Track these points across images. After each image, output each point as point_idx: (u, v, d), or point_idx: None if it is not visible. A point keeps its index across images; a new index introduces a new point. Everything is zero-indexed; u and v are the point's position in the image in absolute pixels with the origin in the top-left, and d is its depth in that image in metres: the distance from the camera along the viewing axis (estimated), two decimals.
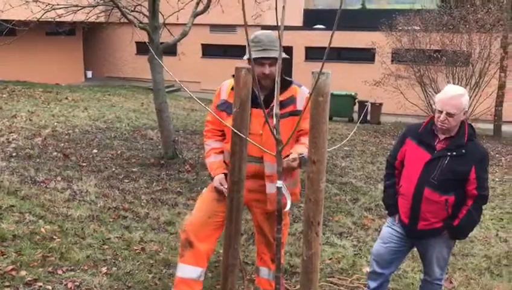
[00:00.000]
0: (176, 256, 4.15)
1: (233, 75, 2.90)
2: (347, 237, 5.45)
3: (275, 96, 2.23)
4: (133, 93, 17.18)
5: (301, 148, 2.89)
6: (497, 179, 9.07)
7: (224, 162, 3.14)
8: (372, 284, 3.37)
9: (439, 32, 13.43)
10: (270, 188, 2.99)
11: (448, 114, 2.98)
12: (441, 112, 3.01)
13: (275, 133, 2.10)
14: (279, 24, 2.06)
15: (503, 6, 13.35)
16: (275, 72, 2.90)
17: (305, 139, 2.88)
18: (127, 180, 6.59)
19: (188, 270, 3.08)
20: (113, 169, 7.11)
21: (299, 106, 3.00)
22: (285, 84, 3.01)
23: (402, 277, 4.37)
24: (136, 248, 4.17)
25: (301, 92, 3.04)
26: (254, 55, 2.86)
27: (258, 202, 3.12)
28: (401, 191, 3.20)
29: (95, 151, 8.10)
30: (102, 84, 19.02)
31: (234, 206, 2.24)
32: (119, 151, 8.25)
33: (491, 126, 14.38)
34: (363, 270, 4.45)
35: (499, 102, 14.24)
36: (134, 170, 7.19)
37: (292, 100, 3.01)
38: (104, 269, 3.69)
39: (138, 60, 20.04)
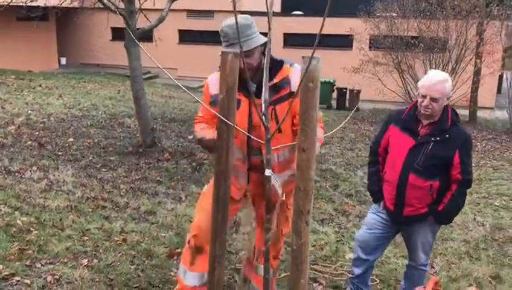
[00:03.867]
0: (157, 246, 4.09)
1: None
2: (329, 223, 5.46)
3: (264, 82, 2.17)
4: (109, 80, 16.85)
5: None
6: (473, 165, 9.21)
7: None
8: (357, 271, 3.37)
9: (416, 18, 13.51)
10: (272, 179, 2.85)
11: (432, 99, 2.97)
12: (424, 97, 3.00)
13: (263, 120, 2.05)
14: (268, 10, 1.99)
15: None
16: (253, 61, 2.72)
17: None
18: (105, 170, 6.46)
19: (198, 278, 2.91)
20: (91, 158, 6.96)
21: (294, 86, 2.73)
22: (276, 66, 2.75)
23: (385, 262, 4.39)
24: (117, 238, 4.08)
25: (294, 71, 2.77)
26: (224, 50, 2.66)
27: (264, 194, 2.97)
28: (385, 177, 3.19)
29: (71, 139, 7.92)
30: (77, 71, 18.59)
31: (221, 195, 2.18)
32: (96, 140, 8.08)
33: (466, 112, 14.60)
34: (346, 256, 4.46)
35: (475, 88, 14.45)
36: (112, 158, 7.05)
37: (287, 82, 2.76)
38: (84, 262, 3.58)
39: (114, 46, 19.63)
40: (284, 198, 2.76)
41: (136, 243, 4.04)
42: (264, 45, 2.72)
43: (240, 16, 2.61)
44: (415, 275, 3.32)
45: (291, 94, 2.76)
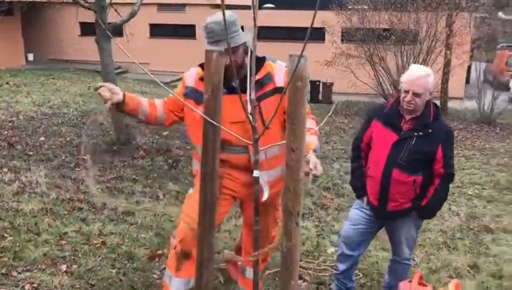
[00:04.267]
0: (138, 248, 4.00)
1: (200, 65, 2.72)
2: (308, 217, 5.46)
3: (248, 80, 2.12)
4: (79, 76, 16.47)
5: (313, 139, 2.54)
6: None
7: (192, 172, 2.95)
8: (342, 267, 3.36)
9: (387, 11, 13.61)
10: (261, 180, 2.78)
11: (415, 94, 2.98)
12: (407, 92, 3.00)
13: (251, 120, 2.00)
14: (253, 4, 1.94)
15: None
16: (238, 59, 2.70)
17: (308, 123, 2.58)
18: (79, 169, 6.29)
19: (184, 284, 2.85)
20: (63, 157, 6.79)
21: (279, 82, 2.74)
22: (259, 62, 2.73)
23: (366, 256, 4.41)
24: (95, 241, 3.97)
25: (277, 67, 2.78)
26: (208, 47, 2.58)
27: (252, 195, 2.92)
28: (369, 173, 3.18)
29: (42, 138, 7.70)
30: (45, 68, 18.10)
31: (208, 198, 2.12)
32: (68, 138, 7.88)
33: (437, 102, 14.82)
34: (327, 251, 4.47)
35: (445, 79, 14.71)
36: (85, 157, 6.88)
37: (269, 78, 2.75)
38: (63, 267, 3.47)
39: (83, 41, 19.20)
40: (265, 199, 2.71)
41: (116, 245, 3.94)
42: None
43: (227, 12, 2.55)
44: (398, 270, 3.34)
45: (276, 90, 2.74)
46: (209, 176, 2.11)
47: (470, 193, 7.02)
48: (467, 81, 19.00)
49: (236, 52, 2.67)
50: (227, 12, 2.71)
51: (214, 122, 2.01)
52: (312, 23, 1.67)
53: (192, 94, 2.80)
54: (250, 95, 2.05)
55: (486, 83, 14.96)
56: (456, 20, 13.53)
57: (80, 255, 3.69)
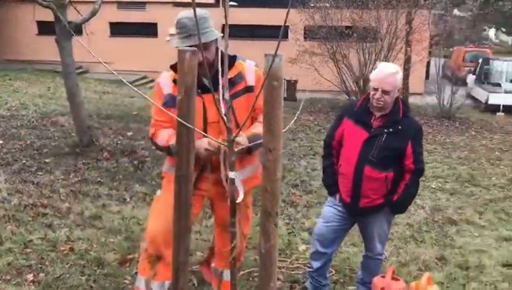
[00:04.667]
0: (107, 253, 3.90)
1: (172, 66, 2.69)
2: (279, 215, 5.45)
3: (221, 81, 2.08)
4: (37, 77, 15.95)
5: (258, 128, 2.64)
6: None
7: (161, 173, 2.91)
8: (316, 264, 3.37)
9: (349, 8, 13.80)
10: (237, 181, 2.73)
11: (384, 92, 3.02)
12: (376, 89, 3.04)
13: (225, 121, 1.96)
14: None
15: None
16: (210, 56, 2.67)
17: (261, 118, 2.59)
18: (40, 173, 6.08)
19: (160, 287, 2.80)
20: (24, 161, 6.54)
21: (250, 81, 2.76)
22: (230, 61, 2.72)
23: (337, 252, 4.44)
24: (63, 248, 3.83)
25: (248, 67, 2.81)
26: (180, 43, 2.57)
27: (223, 195, 2.88)
28: (341, 170, 3.20)
29: (0, 142, 7.40)
30: (1, 68, 17.40)
31: (183, 202, 2.07)
32: (28, 141, 7.60)
33: None
34: (299, 248, 4.48)
35: (406, 75, 15.02)
36: (47, 160, 6.66)
37: (241, 77, 2.77)
38: (30, 277, 3.33)
39: (40, 41, 18.59)
40: (241, 198, 2.69)
41: (85, 251, 3.82)
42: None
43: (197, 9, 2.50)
44: (371, 265, 3.38)
45: (247, 89, 2.74)
46: (184, 179, 2.06)
47: (434, 186, 7.19)
48: (427, 76, 19.52)
49: (209, 48, 2.65)
50: (200, 9, 2.71)
51: (188, 124, 1.97)
52: (285, 22, 1.66)
53: (171, 101, 2.68)
54: (223, 95, 2.01)
55: (445, 79, 15.40)
56: (415, 18, 13.85)
57: (46, 263, 3.55)
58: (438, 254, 4.61)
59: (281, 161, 1.89)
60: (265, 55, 1.82)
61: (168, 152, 2.80)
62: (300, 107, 2.48)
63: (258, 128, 2.66)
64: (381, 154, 3.03)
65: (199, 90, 2.59)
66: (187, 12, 2.63)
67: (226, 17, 1.93)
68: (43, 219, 4.48)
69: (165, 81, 2.78)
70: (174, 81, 2.66)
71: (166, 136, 2.75)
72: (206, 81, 2.66)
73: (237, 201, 2.54)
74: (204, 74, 2.58)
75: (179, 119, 1.97)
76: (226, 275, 3.07)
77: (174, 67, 2.68)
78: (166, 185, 2.85)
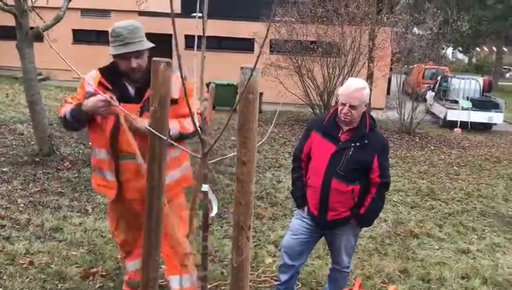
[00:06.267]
0: (69, 266, 3.77)
1: (100, 69, 2.88)
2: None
3: (194, 93, 2.07)
4: None
5: (173, 124, 2.75)
6: None
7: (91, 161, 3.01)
8: (283, 277, 3.37)
9: (314, 24, 14.02)
10: (210, 195, 2.71)
11: (351, 106, 3.07)
12: (344, 104, 3.09)
13: (200, 133, 1.94)
14: (203, 14, 1.90)
15: (370, 1, 14.37)
16: (142, 63, 2.80)
17: (184, 120, 2.84)
18: None
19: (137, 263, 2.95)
20: None
21: (174, 93, 2.75)
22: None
23: (303, 265, 4.46)
24: (22, 261, 3.68)
25: (175, 77, 2.80)
26: (115, 50, 2.74)
27: (142, 202, 2.78)
28: (309, 183, 3.23)
29: None
30: None
31: (154, 214, 2.04)
32: None
33: None
34: (265, 261, 4.47)
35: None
36: (4, 169, 6.44)
37: None
38: None
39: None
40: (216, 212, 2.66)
41: (45, 265, 3.69)
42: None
43: (131, 21, 2.86)
44: (338, 278, 3.41)
45: (171, 101, 2.73)
46: (156, 190, 2.03)
47: (395, 200, 7.33)
48: (388, 92, 20.00)
49: (142, 56, 2.79)
50: (133, 21, 2.88)
51: (161, 136, 1.94)
52: (266, 36, 1.67)
53: None
54: (199, 107, 1.99)
55: (405, 95, 15.80)
56: (378, 34, 14.20)
57: (5, 278, 3.41)
58: (400, 267, 4.69)
59: (254, 173, 1.89)
60: (242, 68, 1.82)
61: (64, 123, 2.95)
62: (274, 120, 2.48)
63: (174, 123, 2.78)
64: (348, 167, 3.08)
65: (119, 95, 2.77)
66: (121, 23, 2.81)
67: (204, 29, 1.92)
68: (1, 231, 4.31)
69: (90, 80, 2.88)
70: (100, 83, 2.81)
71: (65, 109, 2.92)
72: (130, 90, 2.85)
73: (211, 215, 2.52)
74: (134, 80, 2.79)
75: (152, 130, 1.95)
76: (175, 282, 3.04)
77: (102, 71, 2.87)
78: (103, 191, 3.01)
